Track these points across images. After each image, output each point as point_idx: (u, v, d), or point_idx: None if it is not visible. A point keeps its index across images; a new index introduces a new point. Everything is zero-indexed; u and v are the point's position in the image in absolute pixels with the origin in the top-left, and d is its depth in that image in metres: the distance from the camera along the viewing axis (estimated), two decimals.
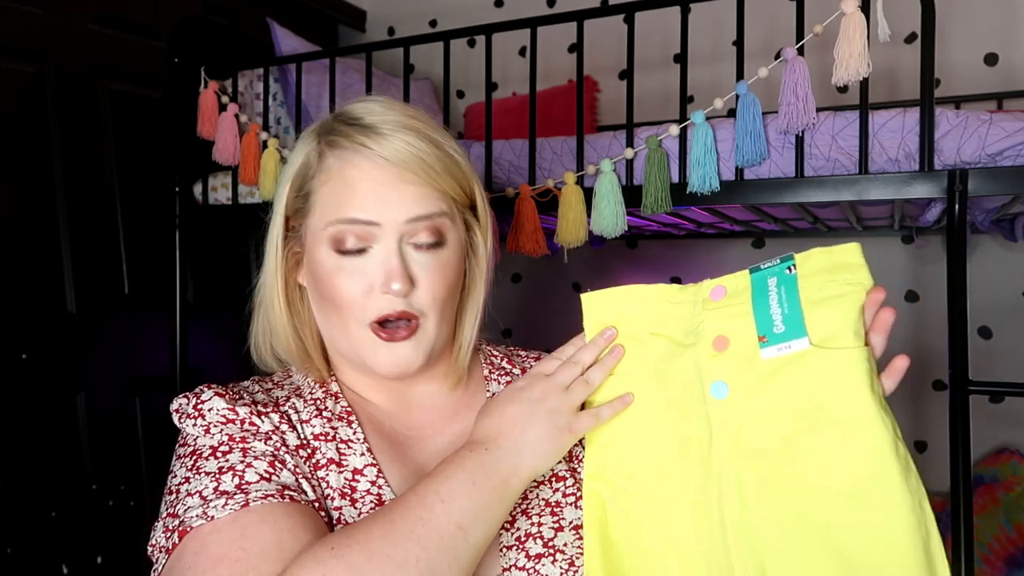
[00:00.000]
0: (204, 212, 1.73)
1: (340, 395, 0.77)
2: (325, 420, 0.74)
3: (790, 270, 0.63)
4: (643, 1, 1.26)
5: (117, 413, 1.79)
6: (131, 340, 1.82)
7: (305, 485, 0.67)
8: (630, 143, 1.25)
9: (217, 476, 0.63)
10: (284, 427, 0.70)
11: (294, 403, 0.74)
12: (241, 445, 0.66)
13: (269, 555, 0.57)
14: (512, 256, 1.34)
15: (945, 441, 1.06)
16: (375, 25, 2.75)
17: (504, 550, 0.71)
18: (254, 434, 0.68)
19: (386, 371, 0.73)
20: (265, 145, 1.55)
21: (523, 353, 0.92)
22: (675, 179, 1.22)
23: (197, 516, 0.60)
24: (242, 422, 0.68)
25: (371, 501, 0.69)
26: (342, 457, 0.71)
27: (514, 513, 0.74)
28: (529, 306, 2.46)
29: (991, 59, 1.97)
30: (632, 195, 1.23)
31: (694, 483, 0.65)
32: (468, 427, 0.76)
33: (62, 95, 1.70)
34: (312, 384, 0.78)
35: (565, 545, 0.72)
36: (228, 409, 0.69)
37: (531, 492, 0.76)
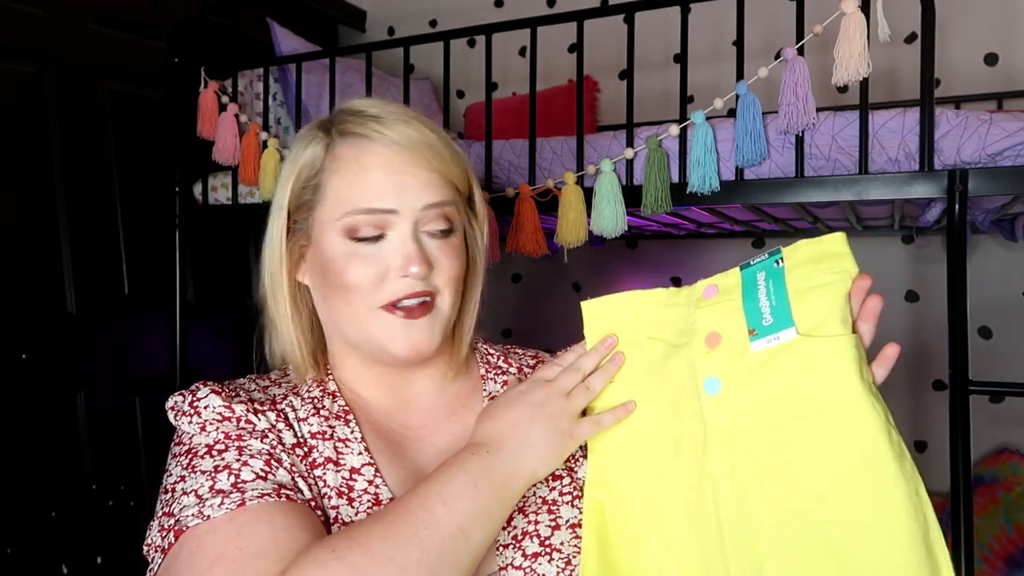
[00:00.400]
0: (204, 212, 1.73)
1: (338, 393, 0.77)
2: (323, 419, 0.73)
3: (778, 263, 0.64)
4: (643, 1, 1.26)
5: (117, 413, 1.79)
6: (131, 340, 1.82)
7: (301, 484, 0.66)
8: (630, 143, 1.25)
9: (213, 475, 0.63)
10: (280, 425, 0.70)
11: (291, 401, 0.74)
12: (237, 443, 0.66)
13: (266, 555, 0.57)
14: (512, 256, 1.34)
15: (945, 441, 1.06)
16: (375, 25, 2.75)
17: (501, 548, 0.71)
18: (250, 432, 0.67)
19: (405, 351, 0.73)
20: (265, 145, 1.55)
21: (520, 351, 0.92)
22: (675, 179, 1.22)
23: (193, 515, 0.60)
24: (238, 420, 0.68)
25: (368, 500, 0.69)
26: (339, 456, 0.71)
27: (511, 511, 0.74)
28: (529, 306, 2.46)
29: (991, 59, 1.97)
30: (632, 195, 1.23)
31: (689, 482, 0.65)
32: (466, 427, 0.76)
33: (62, 95, 1.70)
34: (309, 383, 0.78)
35: (562, 544, 0.72)
36: (224, 406, 0.69)
37: (528, 490, 0.76)
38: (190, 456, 0.66)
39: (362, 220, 0.71)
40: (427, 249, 0.73)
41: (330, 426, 0.73)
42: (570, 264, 2.29)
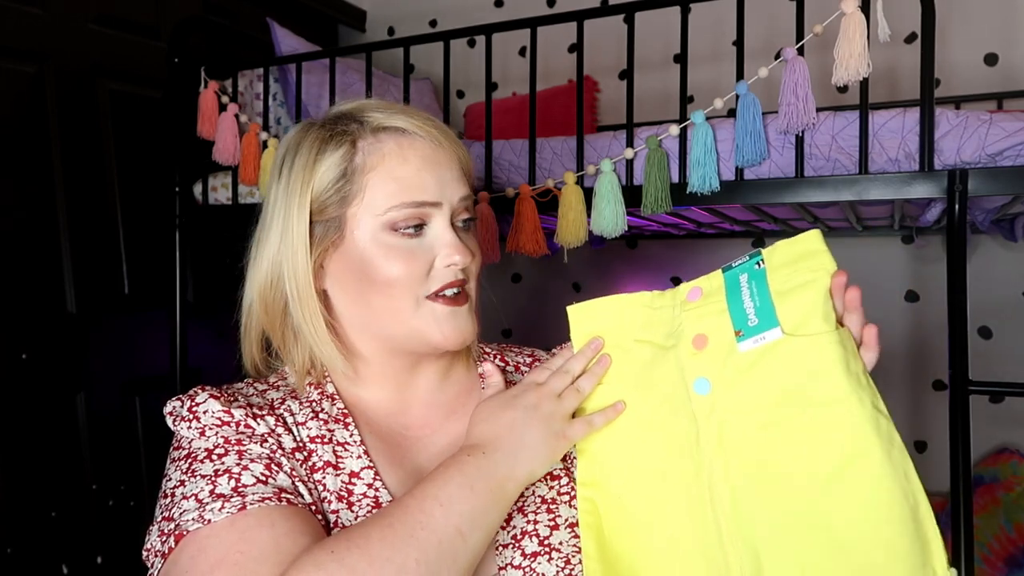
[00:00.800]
0: (204, 212, 1.73)
1: (336, 396, 0.77)
2: (321, 422, 0.73)
3: (759, 265, 0.66)
4: (643, 1, 1.26)
5: (117, 413, 1.79)
6: (131, 340, 1.82)
7: (302, 488, 0.66)
8: (630, 143, 1.25)
9: (213, 479, 0.63)
10: (280, 429, 0.70)
11: (289, 405, 0.74)
12: (237, 448, 0.66)
13: (267, 558, 0.57)
14: (512, 256, 1.34)
15: (945, 441, 1.06)
16: (375, 25, 2.75)
17: (500, 548, 0.71)
18: (250, 436, 0.67)
19: (452, 340, 0.74)
20: (265, 145, 1.55)
21: (516, 349, 0.92)
22: (675, 179, 1.22)
23: (193, 520, 0.60)
24: (237, 424, 0.68)
25: (368, 504, 0.69)
26: (339, 460, 0.71)
27: (510, 511, 0.74)
28: (529, 306, 2.46)
29: (991, 59, 1.97)
30: (632, 195, 1.23)
31: (685, 480, 0.66)
32: (464, 426, 0.76)
33: (62, 95, 1.70)
34: (307, 386, 0.77)
35: (561, 543, 0.72)
36: (223, 411, 0.68)
37: (527, 489, 0.76)
38: (189, 461, 0.66)
39: (408, 213, 0.72)
40: (462, 239, 0.76)
41: (329, 430, 0.73)
42: (570, 264, 2.29)
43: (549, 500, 0.75)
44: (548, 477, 0.77)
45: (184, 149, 1.68)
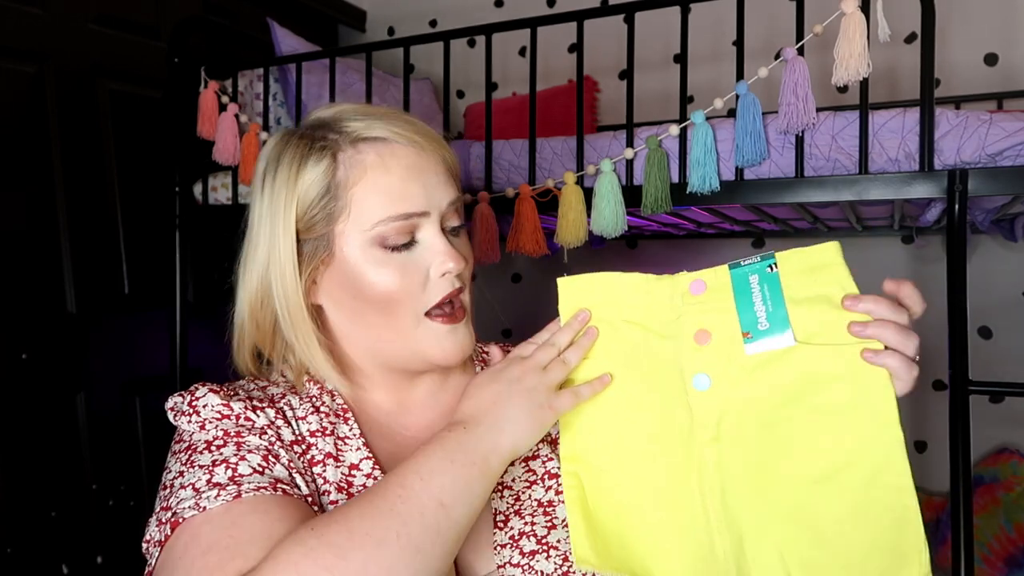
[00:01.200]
0: (204, 212, 1.73)
1: (336, 392, 0.77)
2: (322, 415, 0.74)
3: (771, 268, 0.65)
4: (643, 1, 1.26)
5: (117, 413, 1.79)
6: (131, 340, 1.82)
7: (299, 480, 0.67)
8: (630, 143, 1.25)
9: (210, 468, 0.64)
10: (279, 422, 0.70)
11: (289, 400, 0.74)
12: (236, 439, 0.67)
13: (258, 542, 0.57)
14: (512, 256, 1.34)
15: (945, 441, 1.06)
16: (375, 25, 2.75)
17: (499, 548, 0.71)
18: (249, 429, 0.68)
19: (454, 358, 0.74)
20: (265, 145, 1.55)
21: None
22: (675, 179, 1.22)
23: (189, 507, 0.61)
24: (237, 417, 0.69)
25: None
26: (339, 452, 0.72)
27: (507, 513, 0.75)
28: (529, 306, 2.46)
29: (991, 59, 1.97)
30: (632, 195, 1.23)
31: (674, 466, 0.67)
32: None
33: (62, 95, 1.70)
34: (307, 383, 0.78)
35: (559, 541, 0.73)
36: (223, 405, 0.69)
37: (523, 492, 0.76)
38: (189, 452, 0.67)
39: (397, 227, 0.70)
40: (454, 246, 0.74)
41: (330, 422, 0.74)
42: (570, 264, 2.29)
43: (546, 503, 0.76)
44: (546, 476, 0.78)
45: (184, 149, 1.68)
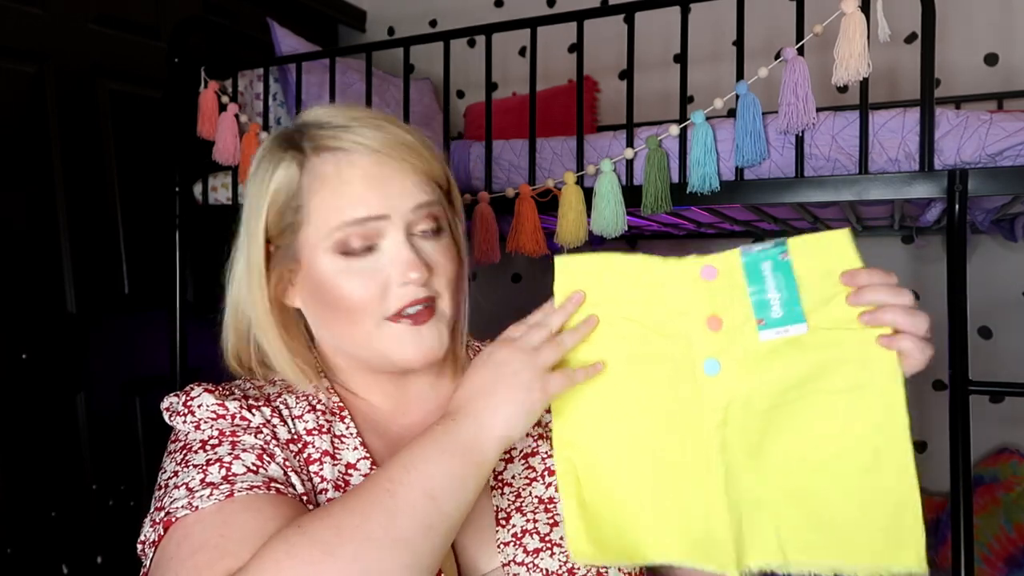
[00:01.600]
0: (204, 212, 1.73)
1: (332, 390, 0.77)
2: (319, 413, 0.74)
3: (784, 255, 0.65)
4: (643, 1, 1.26)
5: (117, 413, 1.79)
6: (131, 340, 1.82)
7: (294, 479, 0.67)
8: (630, 143, 1.25)
9: (204, 468, 0.64)
10: (275, 420, 0.71)
11: (285, 399, 0.75)
12: (231, 439, 0.67)
13: (248, 541, 0.57)
14: (512, 256, 1.34)
15: (945, 441, 1.06)
16: (375, 25, 2.75)
17: (502, 546, 0.71)
18: (244, 428, 0.68)
19: (416, 360, 0.72)
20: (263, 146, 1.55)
21: None
22: (675, 179, 1.22)
23: (183, 507, 0.61)
24: (232, 417, 0.69)
25: None
26: (336, 450, 0.72)
27: (508, 510, 0.74)
28: (529, 306, 2.46)
29: (991, 59, 1.97)
30: (632, 195, 1.23)
31: (676, 450, 0.66)
32: None
33: (62, 95, 1.70)
34: (304, 381, 0.78)
35: (562, 538, 0.72)
36: (218, 404, 0.69)
37: (523, 489, 0.76)
38: (184, 452, 0.67)
39: (352, 232, 0.70)
40: (423, 252, 0.72)
41: (327, 420, 0.74)
42: None
43: (547, 499, 0.76)
44: (546, 473, 0.78)
45: (184, 149, 1.68)
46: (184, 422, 0.69)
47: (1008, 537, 1.84)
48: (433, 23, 2.65)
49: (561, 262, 0.70)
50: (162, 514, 0.62)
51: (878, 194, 1.12)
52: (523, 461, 0.79)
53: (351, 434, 0.74)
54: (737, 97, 1.15)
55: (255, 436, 0.68)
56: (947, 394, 1.07)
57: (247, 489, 0.62)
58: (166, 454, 0.69)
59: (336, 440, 0.73)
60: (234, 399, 0.70)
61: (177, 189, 1.69)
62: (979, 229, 1.70)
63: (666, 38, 1.74)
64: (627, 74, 1.28)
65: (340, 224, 0.70)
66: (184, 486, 0.63)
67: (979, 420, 1.71)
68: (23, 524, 1.56)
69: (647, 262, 0.68)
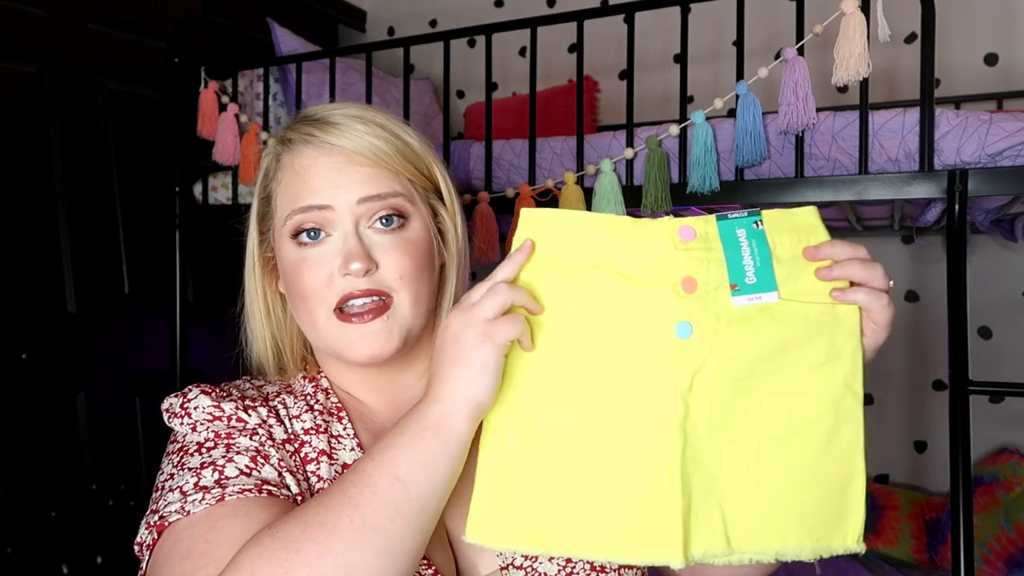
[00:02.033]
0: (204, 212, 1.73)
1: (330, 391, 0.78)
2: (316, 413, 0.74)
3: (757, 224, 0.65)
4: (643, 1, 1.26)
5: (117, 413, 1.79)
6: (131, 340, 1.82)
7: (289, 479, 0.67)
8: (630, 143, 1.25)
9: (198, 471, 0.64)
10: (272, 420, 0.71)
11: (284, 399, 0.75)
12: (226, 441, 0.67)
13: (232, 546, 0.57)
14: None
15: (945, 441, 1.06)
16: (375, 25, 2.75)
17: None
18: (240, 430, 0.68)
19: (359, 355, 0.71)
20: (265, 145, 1.55)
21: None
22: (675, 179, 1.22)
23: (175, 511, 0.61)
24: (229, 419, 0.69)
25: None
26: (333, 450, 0.72)
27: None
28: None
29: (991, 59, 1.97)
30: (632, 195, 1.23)
31: (630, 423, 0.63)
32: None
33: (62, 95, 1.70)
34: (302, 381, 0.79)
35: None
36: (213, 406, 0.70)
37: None
38: (181, 454, 0.67)
39: (300, 219, 0.72)
40: (373, 245, 0.71)
41: (324, 420, 0.74)
42: None
43: None
44: None
45: (184, 149, 1.68)
46: (181, 424, 0.70)
47: (1008, 537, 1.84)
48: (433, 23, 2.65)
49: (526, 213, 0.66)
50: (156, 517, 0.62)
51: (878, 194, 1.12)
52: None
53: (348, 434, 0.74)
54: (737, 97, 1.15)
55: (250, 438, 0.68)
56: (947, 394, 1.08)
57: (238, 493, 0.62)
58: (164, 455, 0.70)
59: (333, 440, 0.73)
60: (231, 400, 0.71)
61: (177, 189, 1.69)
62: (979, 229, 1.70)
63: (666, 38, 1.74)
64: (627, 74, 1.28)
65: (290, 212, 0.73)
66: (178, 489, 0.63)
67: (979, 420, 1.71)
68: (23, 524, 1.56)
69: (620, 220, 0.66)
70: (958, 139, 1.09)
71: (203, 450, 0.66)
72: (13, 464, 1.55)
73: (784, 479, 0.62)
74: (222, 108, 1.60)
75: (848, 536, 0.61)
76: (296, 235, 0.72)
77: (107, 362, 1.76)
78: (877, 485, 2.11)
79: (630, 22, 1.27)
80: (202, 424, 0.69)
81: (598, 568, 0.72)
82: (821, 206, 1.39)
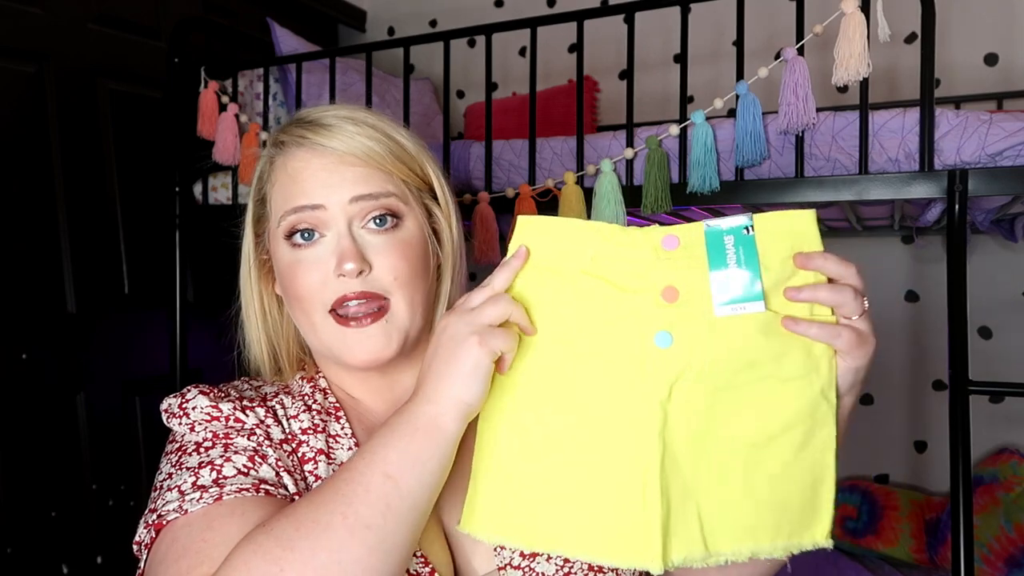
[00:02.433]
0: (204, 212, 1.73)
1: (328, 391, 0.78)
2: (314, 413, 0.74)
3: (747, 231, 0.64)
4: (643, 1, 1.26)
5: (117, 413, 1.79)
6: (131, 340, 1.82)
7: (287, 479, 0.67)
8: (630, 143, 1.25)
9: (196, 471, 0.64)
10: (269, 420, 0.71)
11: (282, 399, 0.75)
12: (224, 441, 0.67)
13: (228, 545, 0.57)
14: None
15: (945, 441, 1.06)
16: (375, 25, 2.75)
17: (498, 548, 0.71)
18: (238, 431, 0.69)
19: (358, 359, 0.71)
20: (265, 145, 1.55)
21: None
22: (675, 179, 1.22)
23: (173, 510, 0.62)
24: (227, 419, 0.69)
25: None
26: (331, 450, 0.72)
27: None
28: None
29: (991, 59, 1.97)
30: (632, 195, 1.23)
31: (616, 431, 0.64)
32: None
33: (62, 95, 1.70)
34: (300, 381, 0.79)
35: None
36: (211, 406, 0.70)
37: None
38: (179, 454, 0.68)
39: (293, 220, 0.72)
40: (367, 247, 0.72)
41: (322, 420, 0.74)
42: None
43: None
44: None
45: (184, 149, 1.68)
46: (180, 424, 0.70)
47: (1008, 537, 1.84)
48: (433, 23, 2.65)
49: (522, 220, 0.67)
50: (154, 516, 0.63)
51: (878, 194, 1.12)
52: None
53: (346, 434, 0.74)
54: (737, 97, 1.15)
55: (248, 438, 0.68)
56: (947, 394, 1.08)
57: (236, 492, 0.62)
58: (163, 455, 0.70)
59: (331, 440, 0.73)
60: (229, 401, 0.71)
61: (177, 189, 1.69)
62: (979, 229, 1.70)
63: (666, 38, 1.73)
64: (627, 74, 1.28)
65: (283, 213, 0.73)
66: (176, 488, 0.63)
67: (979, 420, 1.71)
68: (23, 524, 1.56)
69: (608, 229, 0.66)
70: (958, 139, 1.09)
71: (201, 450, 0.67)
72: (13, 464, 1.55)
73: (759, 483, 0.62)
74: (222, 108, 1.60)
75: (817, 533, 0.62)
76: (290, 236, 0.72)
77: (107, 362, 1.76)
78: (877, 485, 2.11)
79: (630, 22, 1.27)
80: (200, 424, 0.69)
81: (595, 569, 0.72)
82: (821, 206, 1.40)
